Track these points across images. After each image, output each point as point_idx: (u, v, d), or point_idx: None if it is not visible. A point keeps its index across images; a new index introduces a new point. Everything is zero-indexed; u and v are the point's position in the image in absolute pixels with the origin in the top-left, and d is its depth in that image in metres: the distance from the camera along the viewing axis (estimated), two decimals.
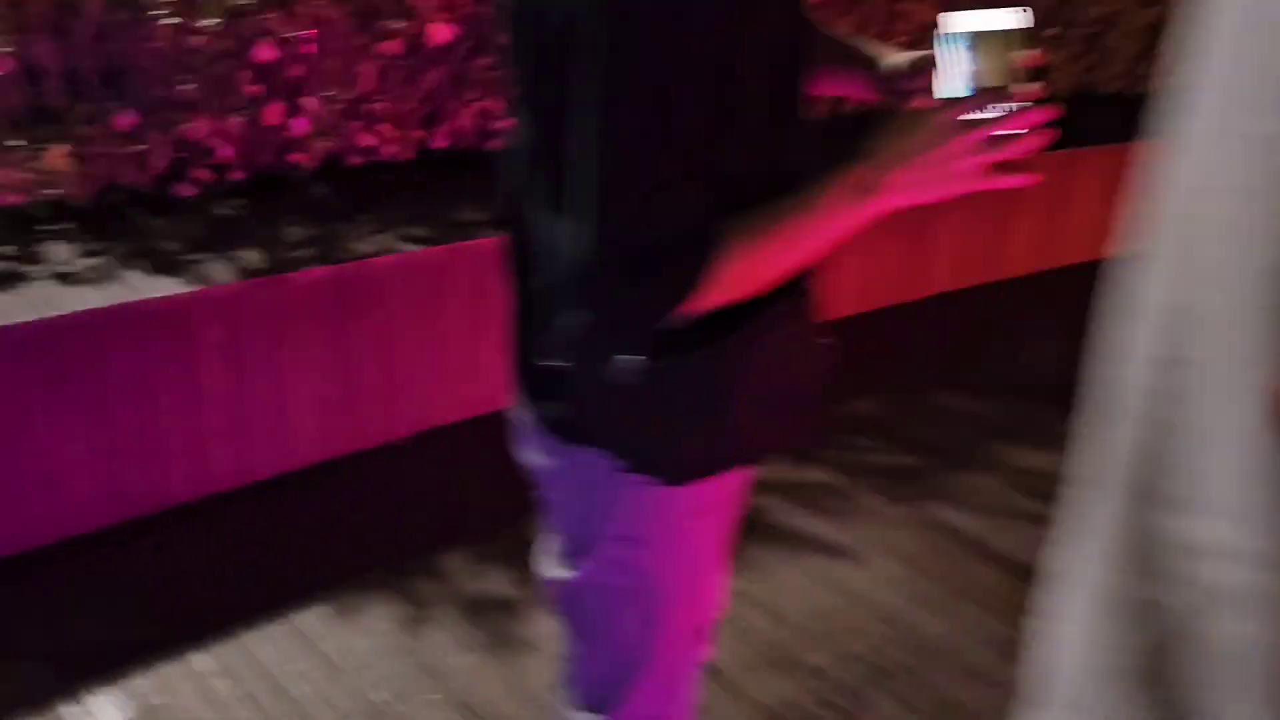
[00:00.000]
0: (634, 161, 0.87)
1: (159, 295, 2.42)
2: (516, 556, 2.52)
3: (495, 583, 2.44)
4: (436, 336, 2.97)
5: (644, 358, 0.96)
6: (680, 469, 1.08)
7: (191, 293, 2.46)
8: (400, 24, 3.06)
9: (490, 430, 3.21)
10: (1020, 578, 2.56)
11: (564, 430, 1.12)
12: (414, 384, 2.97)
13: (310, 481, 2.78)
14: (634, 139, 0.87)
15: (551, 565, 1.24)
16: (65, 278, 2.46)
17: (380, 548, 2.54)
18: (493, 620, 2.31)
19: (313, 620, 2.28)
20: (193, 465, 2.60)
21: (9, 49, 2.60)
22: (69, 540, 2.45)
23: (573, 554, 1.19)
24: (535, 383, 1.14)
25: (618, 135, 0.86)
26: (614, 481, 1.11)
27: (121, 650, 2.15)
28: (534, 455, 1.20)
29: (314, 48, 2.97)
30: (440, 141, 3.34)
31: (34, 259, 2.54)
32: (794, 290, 1.01)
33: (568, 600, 1.24)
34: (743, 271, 0.93)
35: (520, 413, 1.20)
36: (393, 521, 2.66)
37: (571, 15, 0.86)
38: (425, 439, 3.03)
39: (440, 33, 3.07)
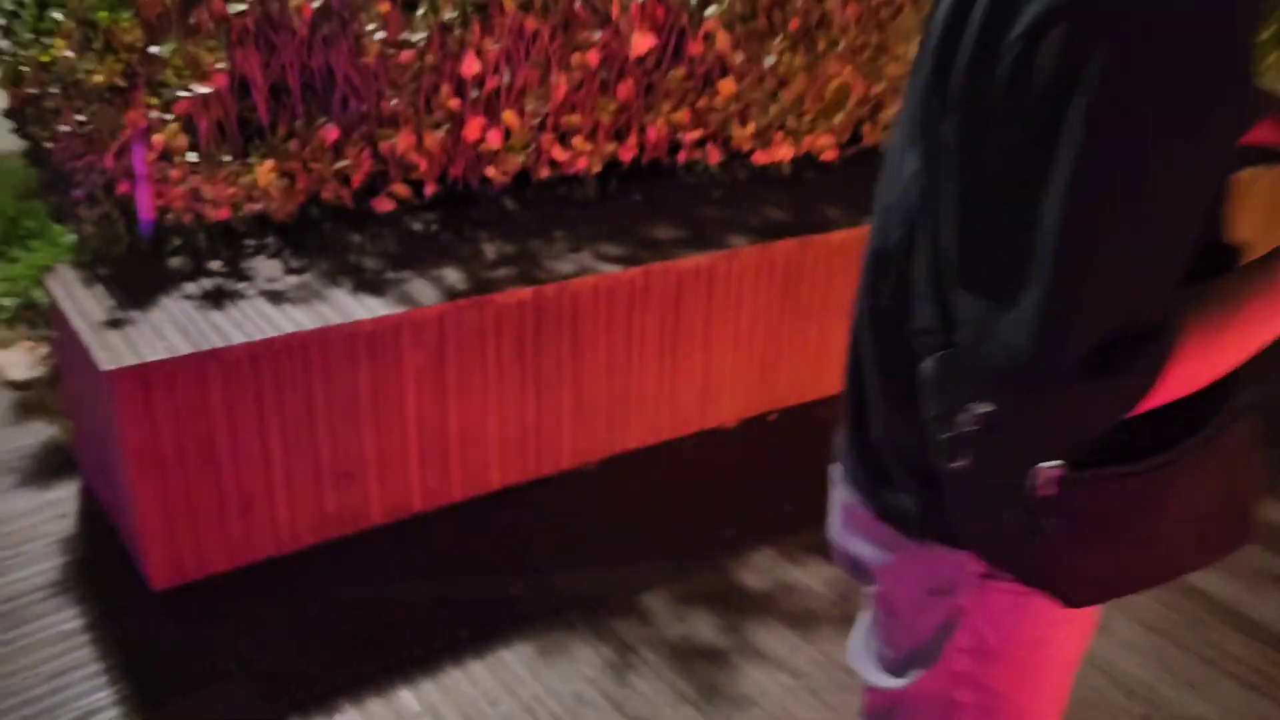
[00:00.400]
0: (1111, 242, 0.72)
1: (365, 317, 2.37)
2: (718, 599, 2.40)
3: (700, 626, 2.31)
4: (629, 359, 2.86)
5: (1073, 464, 0.80)
6: (1092, 590, 0.92)
7: (396, 315, 2.41)
8: (598, 35, 2.96)
9: (681, 456, 3.12)
10: None
11: (919, 526, 0.97)
12: (605, 407, 2.87)
13: (501, 506, 2.71)
14: (1114, 217, 0.71)
15: (875, 669, 1.09)
16: (272, 296, 2.44)
17: (576, 581, 2.44)
18: (701, 670, 2.18)
19: (514, 660, 2.19)
20: (390, 488, 2.56)
21: (223, 65, 2.60)
22: (269, 561, 2.43)
23: (908, 661, 1.04)
24: (885, 468, 0.99)
25: (1095, 211, 0.71)
26: (976, 588, 0.95)
27: (325, 680, 2.11)
28: (865, 546, 1.05)
29: (514, 61, 2.90)
30: (628, 154, 3.23)
31: (242, 276, 2.54)
32: (1237, 382, 0.83)
33: (894, 710, 1.08)
34: (1199, 363, 0.76)
35: (851, 495, 1.06)
36: (585, 552, 2.56)
37: (1031, 68, 0.71)
38: (615, 464, 2.93)
39: (639, 43, 2.96)
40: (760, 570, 2.52)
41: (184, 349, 2.18)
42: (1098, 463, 0.81)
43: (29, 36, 2.70)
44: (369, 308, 2.42)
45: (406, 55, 2.73)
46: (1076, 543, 0.85)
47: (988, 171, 0.78)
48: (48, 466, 2.70)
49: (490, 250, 2.78)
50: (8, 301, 3.37)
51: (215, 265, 2.58)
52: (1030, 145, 0.73)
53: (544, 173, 3.13)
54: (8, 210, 3.81)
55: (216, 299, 2.41)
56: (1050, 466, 0.80)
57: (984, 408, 0.80)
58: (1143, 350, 0.74)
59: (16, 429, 2.85)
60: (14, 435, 2.81)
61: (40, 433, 2.84)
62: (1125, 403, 0.76)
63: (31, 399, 2.98)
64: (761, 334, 3.12)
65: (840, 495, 1.10)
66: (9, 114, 2.86)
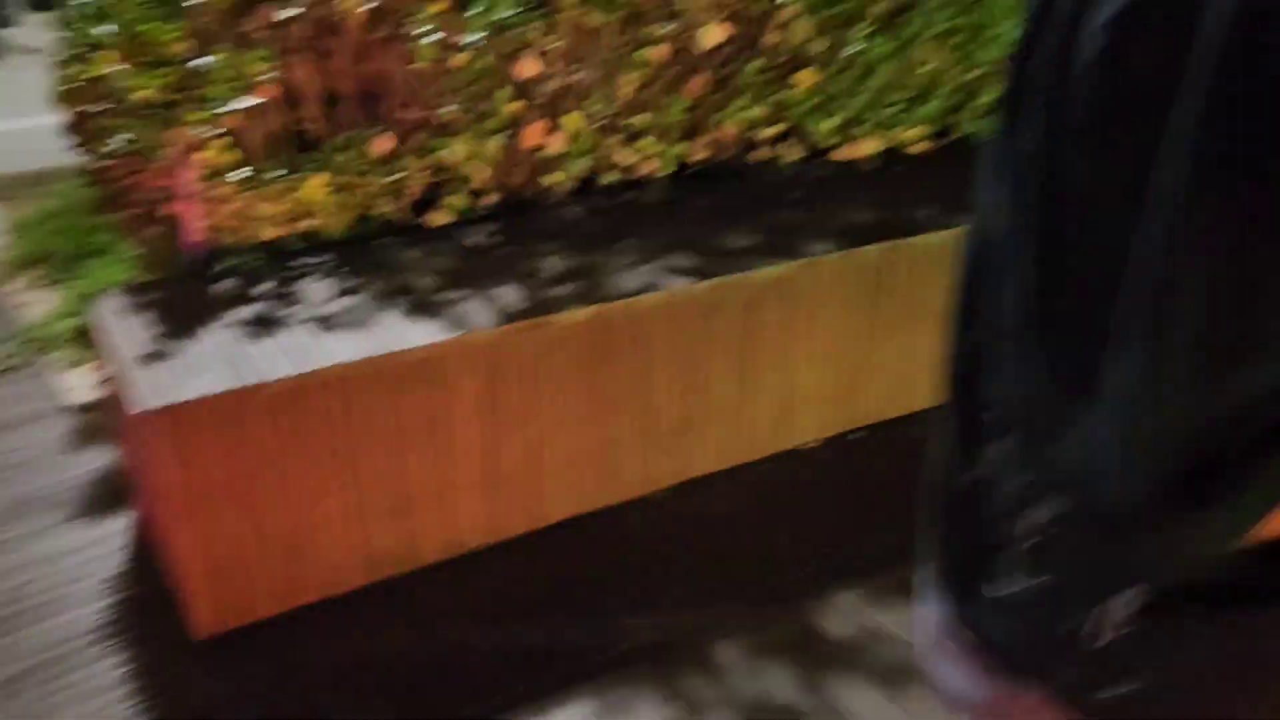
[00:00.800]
0: (1238, 293, 0.51)
1: (415, 345, 2.22)
2: (798, 647, 2.19)
3: (778, 681, 2.10)
4: (701, 377, 2.66)
5: (1171, 598, 0.60)
6: None
7: (447, 341, 2.25)
8: (666, 28, 2.75)
9: (755, 482, 2.91)
10: None
11: (1022, 656, 0.76)
12: (675, 430, 2.67)
13: (563, 540, 2.54)
14: (1242, 251, 0.51)
15: None
16: (321, 322, 2.30)
17: (642, 627, 2.26)
18: None
19: (575, 718, 2.02)
20: (443, 524, 2.41)
21: (272, 74, 2.47)
22: (317, 604, 2.30)
23: None
24: (974, 570, 0.78)
25: (1213, 246, 0.51)
26: None
27: None
28: (954, 673, 0.84)
29: (576, 60, 2.71)
30: (701, 154, 3.02)
31: (289, 299, 2.41)
32: None
33: None
34: None
35: (943, 611, 0.85)
36: (653, 592, 2.38)
37: (1122, 63, 0.52)
38: (685, 491, 2.74)
39: (712, 35, 2.74)
40: (845, 614, 2.30)
41: (225, 384, 2.06)
42: (1205, 598, 0.60)
43: (79, 51, 2.61)
44: (421, 333, 2.27)
45: (461, 58, 2.57)
46: (1156, 705, 0.64)
47: (1066, 199, 0.58)
48: (100, 498, 2.63)
49: (551, 264, 2.61)
50: (74, 321, 3.33)
51: (264, 288, 2.46)
52: (1122, 161, 0.53)
53: (610, 178, 2.94)
54: (78, 227, 3.78)
55: (262, 326, 2.28)
56: (1135, 602, 0.59)
57: (1058, 511, 0.60)
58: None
59: (72, 457, 2.79)
60: (68, 464, 2.75)
61: (95, 461, 2.77)
62: (1241, 529, 0.55)
63: (91, 424, 2.93)
64: (846, 346, 2.88)
65: (924, 601, 0.89)
66: (68, 131, 2.79)
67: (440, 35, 2.55)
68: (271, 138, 2.59)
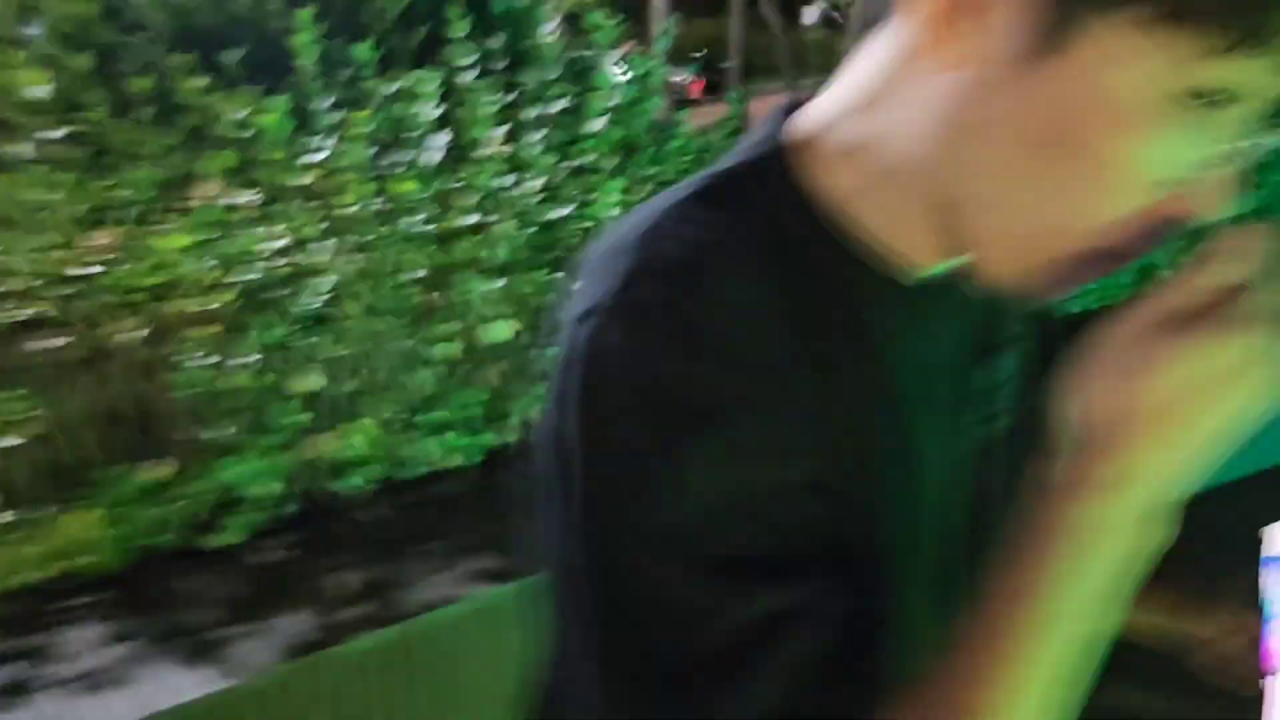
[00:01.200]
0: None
1: (188, 700, 2.03)
2: None
3: None
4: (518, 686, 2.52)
5: None
6: None
7: (227, 689, 2.07)
8: (455, 326, 2.78)
9: None
10: None
11: None
12: None
13: None
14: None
15: None
16: (80, 680, 2.09)
17: None
18: None
19: None
20: None
21: (34, 412, 2.35)
22: None
23: None
24: None
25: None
26: None
27: None
28: None
29: (363, 366, 2.69)
30: (508, 439, 3.00)
31: (47, 655, 2.19)
32: None
33: None
34: None
35: None
36: None
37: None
38: None
39: (498, 330, 2.79)
40: None
41: None
42: None
43: None
44: (197, 683, 2.08)
45: (240, 378, 2.51)
46: None
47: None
48: None
49: (349, 579, 2.47)
50: None
51: (18, 644, 2.23)
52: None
53: (414, 472, 2.87)
54: None
55: (8, 696, 2.05)
56: None
57: None
58: None
59: None
60: None
61: None
62: None
63: None
64: None
65: None
66: None
67: (216, 358, 2.49)
68: (34, 476, 2.43)
